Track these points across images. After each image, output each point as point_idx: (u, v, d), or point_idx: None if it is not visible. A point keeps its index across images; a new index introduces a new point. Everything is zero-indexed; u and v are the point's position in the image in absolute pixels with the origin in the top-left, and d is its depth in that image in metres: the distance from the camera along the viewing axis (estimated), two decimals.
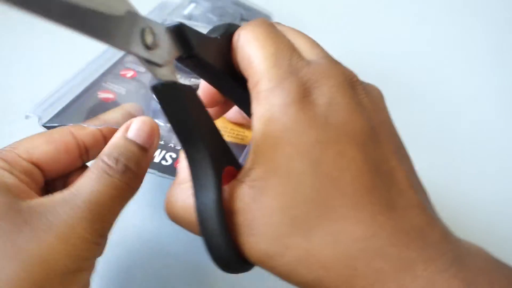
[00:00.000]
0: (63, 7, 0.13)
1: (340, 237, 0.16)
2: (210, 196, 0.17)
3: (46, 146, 0.22)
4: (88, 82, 0.29)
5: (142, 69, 0.33)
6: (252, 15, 0.43)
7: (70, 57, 0.36)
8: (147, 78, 0.32)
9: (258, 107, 0.18)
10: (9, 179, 0.20)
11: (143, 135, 0.22)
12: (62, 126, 0.23)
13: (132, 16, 0.17)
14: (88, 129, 0.23)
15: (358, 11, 0.56)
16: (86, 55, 0.31)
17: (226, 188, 0.18)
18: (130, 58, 0.34)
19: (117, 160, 0.21)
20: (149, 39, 0.17)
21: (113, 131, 0.23)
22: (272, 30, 0.20)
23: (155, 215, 0.32)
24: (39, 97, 0.27)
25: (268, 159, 0.17)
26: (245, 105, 0.21)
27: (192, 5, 0.41)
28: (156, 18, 0.39)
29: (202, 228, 0.17)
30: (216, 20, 0.38)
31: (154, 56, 0.18)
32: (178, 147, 0.28)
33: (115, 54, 0.33)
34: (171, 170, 0.26)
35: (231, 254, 0.17)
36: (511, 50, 0.51)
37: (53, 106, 0.27)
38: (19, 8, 0.12)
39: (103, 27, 0.15)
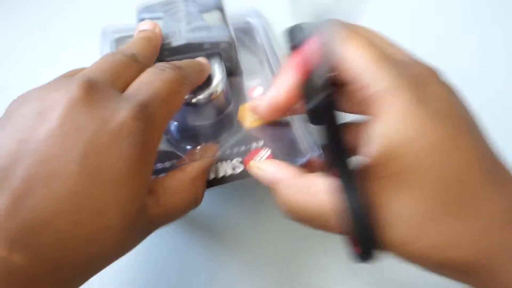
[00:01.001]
0: None
1: (476, 216, 0.18)
2: (359, 198, 0.18)
3: None
4: None
5: None
6: (204, 4, 0.38)
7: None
8: None
9: (382, 108, 0.19)
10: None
11: None
12: None
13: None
14: None
15: None
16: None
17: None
18: None
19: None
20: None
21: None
22: (353, 29, 0.20)
23: None
24: None
25: (404, 155, 0.18)
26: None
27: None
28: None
29: (355, 228, 0.18)
30: (191, 38, 0.32)
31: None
32: (238, 149, 0.28)
33: None
34: (245, 174, 0.26)
35: (379, 247, 0.18)
36: None
37: None
38: None
39: None
